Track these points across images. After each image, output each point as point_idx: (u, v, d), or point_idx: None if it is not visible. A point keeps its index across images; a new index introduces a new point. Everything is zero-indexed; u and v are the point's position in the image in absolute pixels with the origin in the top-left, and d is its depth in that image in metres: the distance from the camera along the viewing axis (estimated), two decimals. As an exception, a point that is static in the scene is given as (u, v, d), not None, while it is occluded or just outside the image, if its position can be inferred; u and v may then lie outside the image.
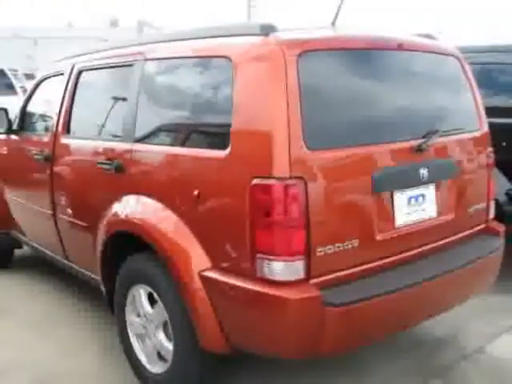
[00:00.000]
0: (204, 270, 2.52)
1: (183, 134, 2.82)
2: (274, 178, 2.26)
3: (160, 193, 2.76)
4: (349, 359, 3.19)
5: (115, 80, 3.46)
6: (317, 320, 2.29)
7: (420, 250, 2.76)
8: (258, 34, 2.46)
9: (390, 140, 2.63)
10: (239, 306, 2.44)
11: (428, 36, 3.20)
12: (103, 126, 3.41)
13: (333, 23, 2.88)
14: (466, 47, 3.84)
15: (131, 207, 2.92)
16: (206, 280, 2.50)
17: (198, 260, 2.54)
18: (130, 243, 2.94)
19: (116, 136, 3.18)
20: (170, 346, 2.77)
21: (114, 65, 3.41)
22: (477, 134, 3.15)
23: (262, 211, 2.29)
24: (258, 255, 2.31)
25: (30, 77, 14.75)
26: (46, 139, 3.86)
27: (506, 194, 4.25)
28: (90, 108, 3.65)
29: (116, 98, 3.34)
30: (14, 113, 4.50)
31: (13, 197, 4.52)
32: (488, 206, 3.18)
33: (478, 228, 3.13)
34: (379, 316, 2.49)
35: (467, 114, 3.14)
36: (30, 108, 4.40)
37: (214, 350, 2.58)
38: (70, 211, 3.56)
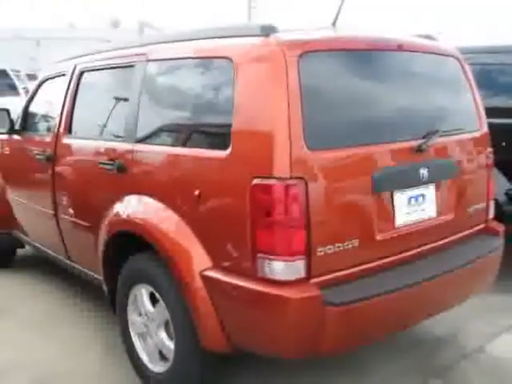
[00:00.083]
0: (205, 270, 2.53)
1: (184, 134, 2.84)
2: (274, 178, 2.27)
3: (161, 193, 2.78)
4: (349, 359, 3.21)
5: (117, 81, 3.48)
6: (317, 319, 2.31)
7: (420, 249, 2.77)
8: (259, 35, 2.47)
9: (390, 140, 2.65)
10: (240, 305, 2.46)
11: (428, 37, 3.22)
12: (105, 126, 3.43)
13: (333, 24, 2.89)
14: (465, 48, 3.85)
15: (133, 207, 2.94)
16: (207, 280, 2.52)
17: (199, 260, 2.56)
18: (131, 243, 2.95)
19: (118, 136, 3.20)
20: (171, 344, 2.79)
21: (115, 65, 3.42)
22: (476, 134, 3.16)
23: (263, 211, 2.30)
24: (259, 255, 2.33)
25: (32, 77, 14.78)
26: (47, 139, 3.88)
27: (506, 194, 4.26)
28: (92, 108, 3.66)
29: (118, 99, 3.35)
30: (16, 113, 4.53)
31: (15, 197, 4.54)
32: (488, 206, 3.19)
33: (478, 228, 3.15)
34: (379, 315, 2.50)
35: (467, 114, 3.15)
36: (32, 108, 4.42)
37: (215, 349, 2.59)
38: (71, 211, 3.58)
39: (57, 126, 3.78)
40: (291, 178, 2.27)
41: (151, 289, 2.87)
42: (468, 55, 3.36)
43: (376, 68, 2.74)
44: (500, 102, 4.43)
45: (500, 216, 3.38)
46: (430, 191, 2.83)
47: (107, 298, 3.30)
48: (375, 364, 3.21)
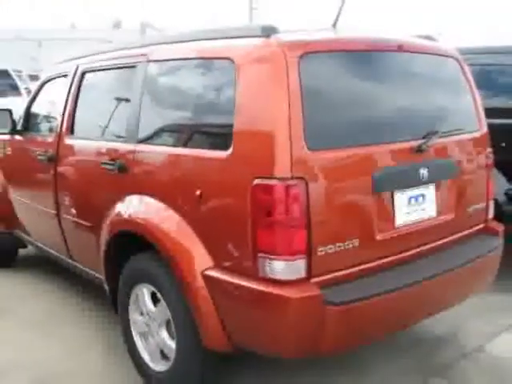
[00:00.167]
0: (206, 270, 2.55)
1: (185, 134, 2.85)
2: (275, 178, 2.28)
3: (163, 193, 2.80)
4: (349, 358, 3.22)
5: (118, 81, 3.49)
6: (317, 319, 2.32)
7: (419, 249, 2.78)
8: (260, 36, 2.48)
9: (391, 140, 2.66)
10: (241, 304, 2.47)
11: (428, 37, 3.23)
12: (106, 126, 3.44)
13: (334, 25, 2.91)
14: (465, 48, 3.87)
15: (134, 207, 2.95)
16: (208, 279, 2.53)
17: (200, 259, 2.57)
18: (133, 243, 2.97)
19: (119, 136, 3.21)
20: (172, 344, 2.80)
21: (117, 66, 3.44)
22: (476, 134, 3.17)
23: (264, 211, 2.32)
24: (260, 254, 2.34)
25: (34, 78, 14.79)
26: (49, 140, 3.90)
27: (505, 193, 4.28)
28: (94, 109, 3.68)
29: (119, 99, 3.37)
30: (19, 114, 4.54)
31: (17, 197, 4.56)
32: (487, 206, 3.21)
33: (478, 228, 3.16)
34: (379, 315, 2.51)
35: (467, 114, 3.17)
36: (34, 109, 4.44)
37: (216, 348, 2.61)
38: (73, 211, 3.60)
39: (59, 127, 3.80)
40: (292, 178, 2.29)
41: (153, 288, 2.88)
42: (468, 56, 3.38)
43: (376, 69, 2.75)
44: (500, 102, 4.45)
45: (499, 216, 3.40)
46: (430, 191, 2.84)
47: (109, 298, 3.31)
48: (375, 363, 3.22)
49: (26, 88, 12.65)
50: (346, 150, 2.48)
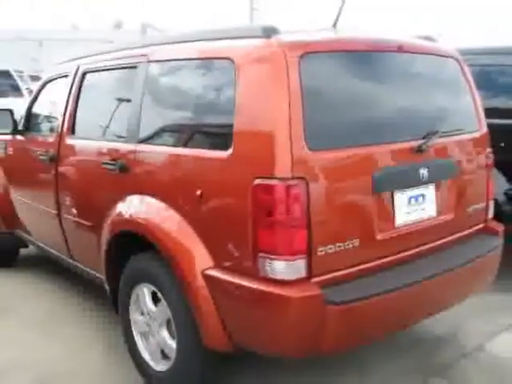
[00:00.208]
0: (207, 269, 2.55)
1: (186, 134, 2.86)
2: (275, 178, 2.29)
3: (163, 193, 2.80)
4: (349, 358, 3.22)
5: (119, 82, 3.50)
6: (318, 318, 2.33)
7: (419, 249, 2.79)
8: (260, 36, 2.49)
9: (391, 140, 2.67)
10: (241, 304, 2.48)
11: (428, 38, 3.24)
12: (107, 126, 3.45)
13: (334, 25, 2.92)
14: (465, 49, 3.87)
15: (135, 207, 2.96)
16: (208, 279, 2.54)
17: (200, 259, 2.58)
18: (133, 243, 2.98)
19: (120, 137, 3.22)
20: (173, 343, 2.81)
21: (118, 66, 3.44)
22: (476, 134, 3.18)
23: (264, 211, 2.32)
24: (260, 254, 2.35)
25: (35, 78, 14.80)
26: (51, 140, 3.91)
27: (505, 193, 4.28)
28: (95, 109, 3.69)
29: (120, 100, 3.38)
30: (20, 114, 4.55)
31: (18, 197, 4.57)
32: (487, 206, 3.21)
33: (477, 227, 3.16)
34: (379, 315, 2.52)
35: (466, 115, 3.17)
36: (36, 109, 4.45)
37: (217, 347, 2.61)
38: (74, 211, 3.60)
39: (60, 127, 3.81)
40: (292, 178, 2.30)
41: (153, 288, 2.89)
42: (468, 56, 3.38)
43: (376, 69, 2.76)
44: (499, 102, 4.46)
45: (499, 216, 3.40)
46: (429, 191, 2.85)
47: (109, 298, 3.32)
48: (375, 363, 3.23)
49: (27, 88, 12.64)
50: (347, 150, 2.49)
